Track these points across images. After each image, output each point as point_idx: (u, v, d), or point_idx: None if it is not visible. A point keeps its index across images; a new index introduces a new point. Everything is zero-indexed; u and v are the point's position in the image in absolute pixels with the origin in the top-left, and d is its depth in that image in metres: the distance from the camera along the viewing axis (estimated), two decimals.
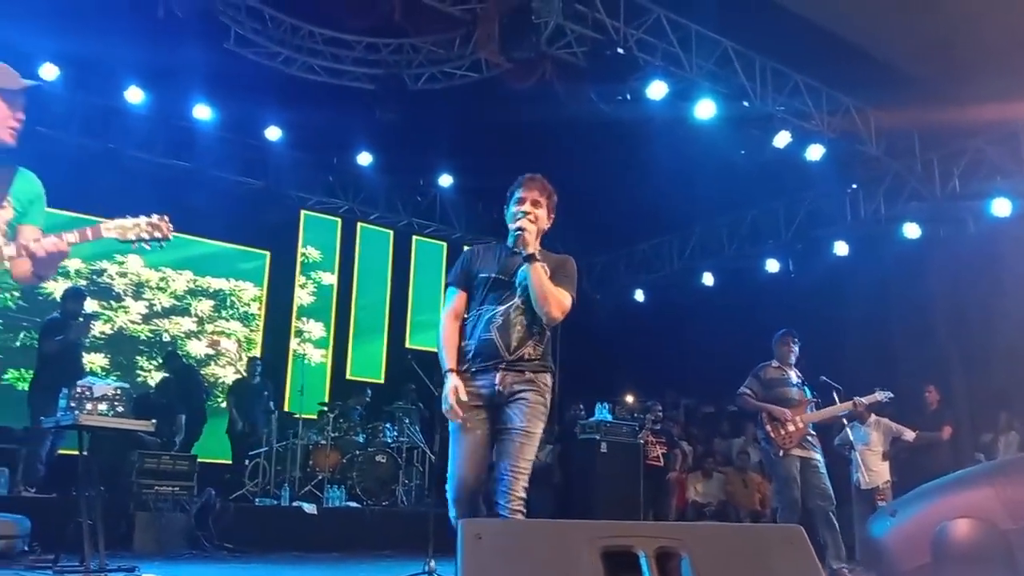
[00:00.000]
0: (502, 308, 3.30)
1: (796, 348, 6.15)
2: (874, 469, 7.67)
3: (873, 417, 7.88)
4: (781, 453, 5.77)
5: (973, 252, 9.39)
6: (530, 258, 3.23)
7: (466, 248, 3.63)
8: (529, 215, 3.32)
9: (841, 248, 10.65)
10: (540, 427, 3.25)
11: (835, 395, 6.24)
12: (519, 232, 3.27)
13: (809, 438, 5.87)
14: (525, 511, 3.15)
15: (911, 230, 9.94)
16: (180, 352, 10.06)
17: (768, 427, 5.85)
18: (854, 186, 10.49)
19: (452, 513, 3.22)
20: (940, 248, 9.73)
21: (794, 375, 6.12)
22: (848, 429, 7.08)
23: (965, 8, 7.51)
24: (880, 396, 6.28)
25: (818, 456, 5.87)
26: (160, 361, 9.91)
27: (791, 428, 5.79)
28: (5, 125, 2.86)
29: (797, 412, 5.87)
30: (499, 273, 3.35)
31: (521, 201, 3.37)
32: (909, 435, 7.92)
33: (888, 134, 9.75)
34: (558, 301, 3.27)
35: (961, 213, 9.73)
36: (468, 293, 3.42)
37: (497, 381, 3.24)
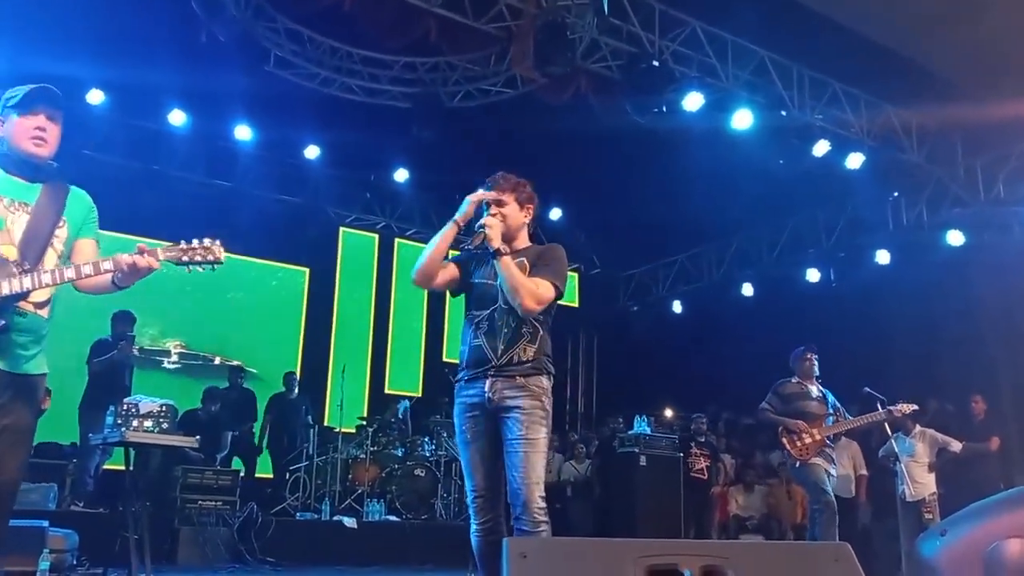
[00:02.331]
0: (487, 312, 3.28)
1: (816, 363, 6.34)
2: (920, 481, 7.52)
3: (918, 428, 7.74)
4: (798, 464, 6.00)
5: (1019, 258, 9.20)
6: (496, 253, 3.18)
7: None
8: (495, 215, 3.29)
9: (883, 256, 10.49)
10: (542, 432, 3.15)
11: (879, 405, 6.23)
12: (480, 230, 3.24)
13: (827, 450, 6.06)
14: (548, 520, 3.07)
15: (954, 237, 9.77)
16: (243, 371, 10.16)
17: (784, 440, 6.07)
18: (895, 194, 10.35)
19: (473, 527, 3.21)
20: (985, 255, 9.53)
21: (815, 389, 6.28)
22: (893, 440, 6.97)
23: (1007, 13, 7.39)
24: (905, 408, 6.28)
25: (833, 472, 6.09)
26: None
27: (807, 440, 6.00)
28: (27, 136, 2.85)
29: (814, 425, 6.06)
30: (483, 278, 3.34)
31: (487, 205, 3.35)
32: (956, 446, 7.76)
33: (929, 140, 9.60)
34: (530, 291, 3.17)
35: (1006, 219, 9.53)
36: (461, 279, 3.39)
37: (487, 388, 3.19)
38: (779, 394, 6.28)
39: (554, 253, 3.37)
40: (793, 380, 6.32)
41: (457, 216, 3.31)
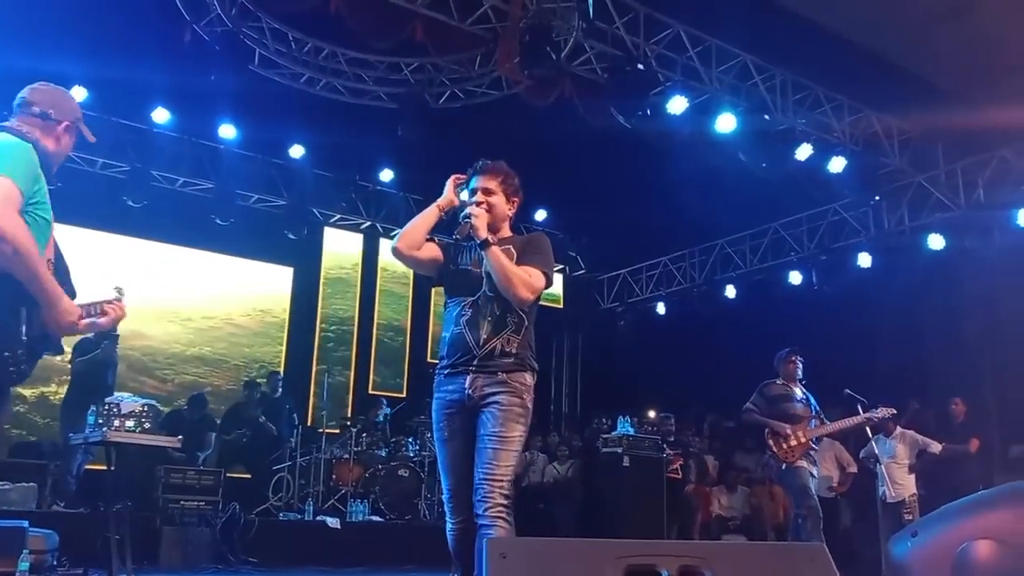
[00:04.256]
0: (470, 300, 3.19)
1: (801, 365, 6.32)
2: (900, 482, 7.60)
3: (899, 429, 7.81)
4: (784, 467, 5.95)
5: (999, 262, 9.30)
6: (484, 244, 3.09)
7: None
8: (481, 204, 3.21)
9: (865, 260, 10.57)
10: (517, 430, 3.06)
11: (859, 408, 6.29)
12: (466, 220, 3.14)
13: (812, 453, 6.05)
14: (509, 520, 2.96)
15: (936, 241, 9.86)
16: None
17: (770, 441, 6.01)
18: (877, 197, 10.43)
19: (448, 525, 3.17)
20: (966, 259, 9.63)
21: (799, 391, 6.26)
22: (873, 442, 7.05)
23: (988, 18, 7.48)
24: (885, 412, 6.36)
25: (815, 473, 6.08)
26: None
27: (793, 442, 5.95)
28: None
29: (799, 427, 6.03)
30: (467, 264, 3.26)
31: (473, 192, 3.29)
32: (935, 447, 7.85)
33: (911, 145, 9.70)
34: (523, 280, 3.09)
35: (986, 223, 9.63)
36: (443, 263, 3.30)
37: (467, 385, 3.10)
38: (764, 395, 6.24)
39: (540, 242, 3.31)
40: (778, 382, 6.28)
41: (440, 201, 3.27)
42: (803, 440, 5.96)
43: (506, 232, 3.35)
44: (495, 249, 3.11)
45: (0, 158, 2.59)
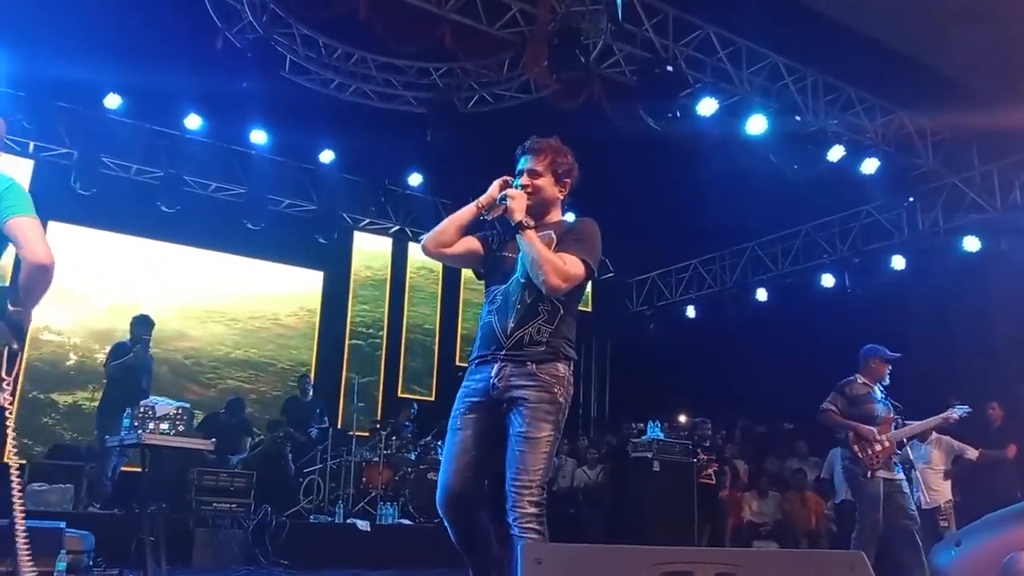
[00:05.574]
0: (503, 287, 3.00)
1: (888, 371, 5.77)
2: (935, 488, 7.47)
3: (934, 435, 7.68)
4: (869, 474, 5.49)
5: None
6: (518, 226, 2.89)
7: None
8: (527, 187, 3.02)
9: (898, 262, 10.43)
10: (546, 429, 2.82)
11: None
12: (502, 201, 2.95)
13: (893, 457, 5.61)
14: (539, 529, 2.75)
15: (971, 243, 9.71)
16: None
17: (855, 447, 5.56)
18: (911, 199, 10.29)
19: (446, 524, 3.00)
20: (1001, 261, 9.47)
21: (879, 391, 5.78)
22: (908, 447, 6.91)
23: (1016, 18, 7.35)
24: (961, 412, 6.06)
25: (901, 476, 5.63)
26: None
27: (878, 447, 5.52)
28: None
29: (883, 431, 5.59)
30: (502, 251, 3.07)
31: (519, 174, 3.08)
32: (972, 453, 7.71)
33: (945, 146, 9.56)
34: (555, 266, 2.84)
35: (1022, 225, 9.47)
36: (485, 257, 3.13)
37: (493, 374, 2.90)
38: (845, 395, 5.71)
39: (585, 227, 3.05)
40: (859, 380, 5.75)
41: (480, 198, 3.06)
42: (887, 445, 5.52)
43: (555, 217, 3.14)
44: (529, 232, 2.90)
45: (21, 200, 2.76)
